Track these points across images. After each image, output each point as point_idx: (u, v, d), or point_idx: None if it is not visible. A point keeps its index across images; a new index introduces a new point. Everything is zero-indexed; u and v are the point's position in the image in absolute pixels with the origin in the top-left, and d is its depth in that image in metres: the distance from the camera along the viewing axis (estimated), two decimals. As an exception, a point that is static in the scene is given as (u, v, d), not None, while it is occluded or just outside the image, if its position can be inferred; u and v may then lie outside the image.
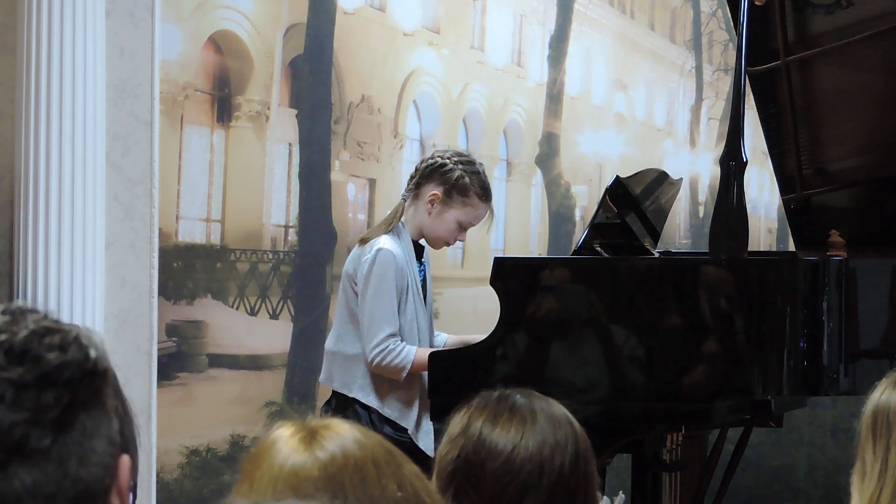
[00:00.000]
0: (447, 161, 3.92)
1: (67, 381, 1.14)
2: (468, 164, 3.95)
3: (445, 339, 4.10)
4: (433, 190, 3.90)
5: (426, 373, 3.86)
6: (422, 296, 3.93)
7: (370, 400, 3.86)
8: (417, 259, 3.96)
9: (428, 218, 3.92)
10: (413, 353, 3.81)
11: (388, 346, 3.79)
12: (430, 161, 3.96)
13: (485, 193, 3.94)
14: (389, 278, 3.81)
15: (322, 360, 4.04)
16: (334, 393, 3.96)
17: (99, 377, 1.17)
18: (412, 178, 3.98)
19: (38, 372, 1.13)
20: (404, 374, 3.81)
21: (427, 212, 3.91)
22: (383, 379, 3.85)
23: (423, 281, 3.99)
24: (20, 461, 1.11)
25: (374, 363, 3.80)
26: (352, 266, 3.92)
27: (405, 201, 3.97)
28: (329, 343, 3.99)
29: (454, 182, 3.89)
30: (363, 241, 3.93)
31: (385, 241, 3.86)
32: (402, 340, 3.83)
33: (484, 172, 3.99)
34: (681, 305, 3.70)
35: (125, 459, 1.19)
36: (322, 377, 4.02)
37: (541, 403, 1.90)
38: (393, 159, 5.60)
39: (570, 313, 3.71)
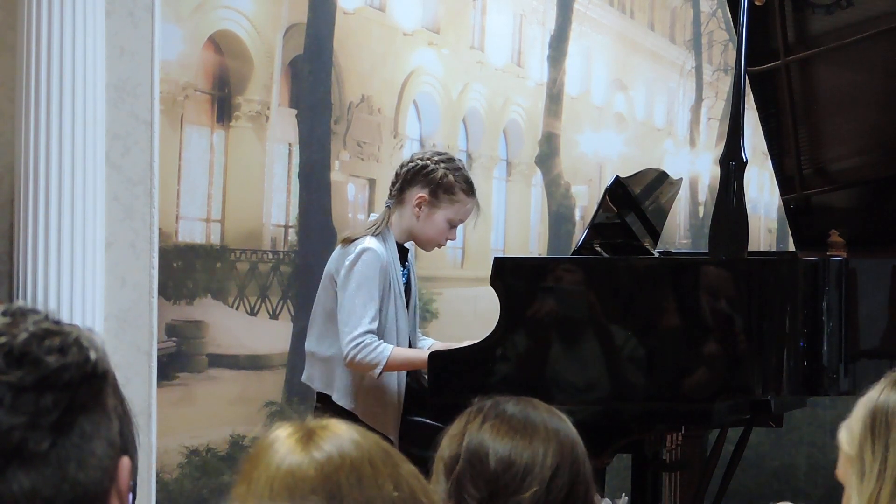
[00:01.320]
0: (428, 162, 3.88)
1: (67, 384, 1.13)
2: (449, 161, 3.92)
3: (431, 344, 4.04)
4: (419, 193, 3.85)
5: (404, 377, 3.84)
6: (404, 299, 3.89)
7: (346, 402, 3.82)
8: (401, 262, 3.93)
9: (417, 221, 3.87)
10: (389, 351, 3.73)
11: (364, 341, 3.72)
12: (411, 164, 3.90)
13: (469, 188, 3.90)
14: (372, 277, 3.76)
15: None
16: (318, 394, 3.93)
17: (99, 379, 1.17)
18: (394, 184, 3.92)
19: (37, 375, 1.13)
20: (378, 372, 3.73)
21: (415, 215, 3.86)
22: (361, 382, 3.81)
23: (407, 284, 3.96)
24: (18, 465, 1.11)
25: (349, 358, 3.73)
26: (334, 266, 3.86)
27: (389, 208, 3.92)
28: (309, 344, 3.93)
29: (439, 181, 3.85)
30: (346, 242, 3.87)
31: (370, 242, 3.81)
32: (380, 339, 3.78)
33: (465, 167, 3.96)
34: (680, 305, 3.70)
35: (125, 461, 1.19)
36: (304, 377, 3.97)
37: (536, 411, 1.92)
38: (393, 159, 5.59)
39: (570, 313, 3.71)
